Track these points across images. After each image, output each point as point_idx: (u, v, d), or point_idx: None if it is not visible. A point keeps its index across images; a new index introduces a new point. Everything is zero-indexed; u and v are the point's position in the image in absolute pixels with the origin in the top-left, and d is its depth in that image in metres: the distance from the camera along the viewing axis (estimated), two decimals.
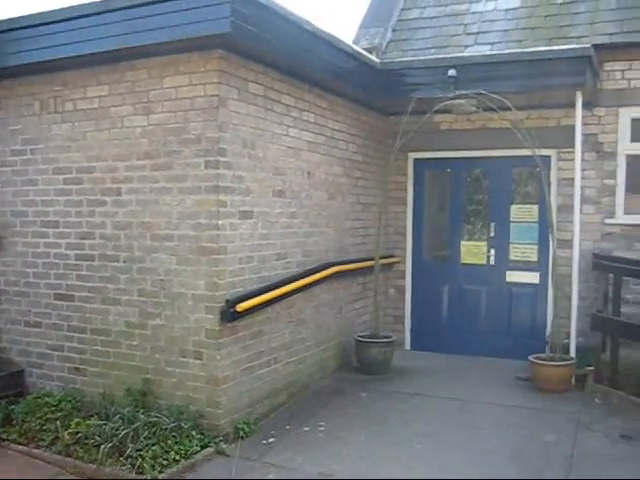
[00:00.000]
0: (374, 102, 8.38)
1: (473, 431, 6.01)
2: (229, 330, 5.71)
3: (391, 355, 7.95)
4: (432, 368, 8.22)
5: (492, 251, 8.79)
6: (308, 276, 6.90)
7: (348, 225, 8.12)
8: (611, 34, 8.20)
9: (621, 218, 8.10)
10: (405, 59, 8.57)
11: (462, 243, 9.04)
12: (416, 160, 9.20)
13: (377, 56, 8.76)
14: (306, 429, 6.04)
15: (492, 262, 8.80)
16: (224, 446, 5.52)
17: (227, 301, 5.61)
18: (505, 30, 9.07)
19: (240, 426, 5.82)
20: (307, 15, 6.09)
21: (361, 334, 8.05)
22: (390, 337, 8.03)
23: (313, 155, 7.18)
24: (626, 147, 8.10)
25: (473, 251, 8.93)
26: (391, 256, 9.18)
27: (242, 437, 5.78)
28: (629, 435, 5.98)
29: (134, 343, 5.99)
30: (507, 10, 9.37)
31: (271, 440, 5.78)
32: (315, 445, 5.67)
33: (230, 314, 5.61)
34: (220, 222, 5.58)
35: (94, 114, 6.09)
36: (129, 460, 5.09)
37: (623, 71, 8.11)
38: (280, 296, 6.34)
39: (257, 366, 6.20)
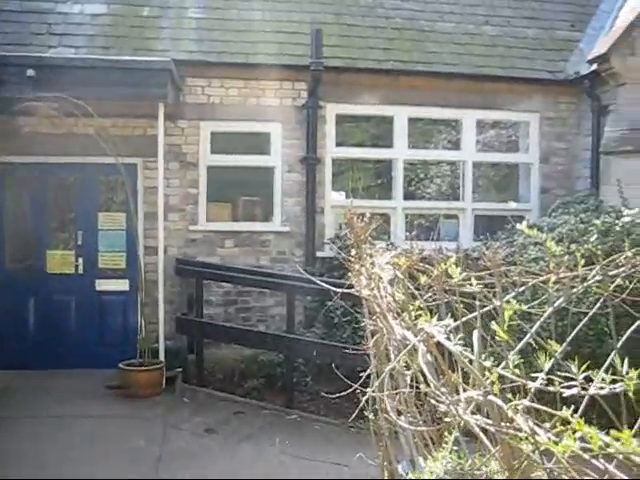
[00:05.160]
0: None
1: (63, 448, 5.78)
2: None
3: None
4: (19, 387, 7.64)
5: (80, 260, 8.55)
6: None
7: None
8: (192, 52, 8.67)
9: (203, 225, 8.62)
10: None
11: (49, 252, 8.59)
12: None
13: None
14: None
15: (81, 271, 8.55)
16: None
17: None
18: (91, 35, 8.91)
19: None
20: None
21: None
22: None
23: None
24: (207, 158, 8.64)
25: (61, 260, 8.57)
26: None
27: None
28: (213, 429, 6.38)
29: None
30: (93, 15, 9.20)
31: None
32: None
33: None
34: None
35: None
36: None
37: (203, 87, 8.64)
38: None
39: None
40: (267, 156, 8.78)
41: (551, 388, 1.44)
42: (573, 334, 2.34)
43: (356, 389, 2.88)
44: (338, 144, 9.13)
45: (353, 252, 2.91)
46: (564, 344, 1.96)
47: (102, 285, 8.59)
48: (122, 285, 8.57)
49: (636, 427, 1.93)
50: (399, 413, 2.57)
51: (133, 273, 8.34)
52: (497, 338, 1.63)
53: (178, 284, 8.33)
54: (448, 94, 8.98)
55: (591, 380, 1.42)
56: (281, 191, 8.76)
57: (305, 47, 8.61)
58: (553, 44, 9.70)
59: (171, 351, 7.85)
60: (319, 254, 8.55)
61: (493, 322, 1.56)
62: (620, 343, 1.97)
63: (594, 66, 8.73)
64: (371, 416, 2.79)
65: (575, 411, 1.69)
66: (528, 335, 2.06)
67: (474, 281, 2.00)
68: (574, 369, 1.40)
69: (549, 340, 1.77)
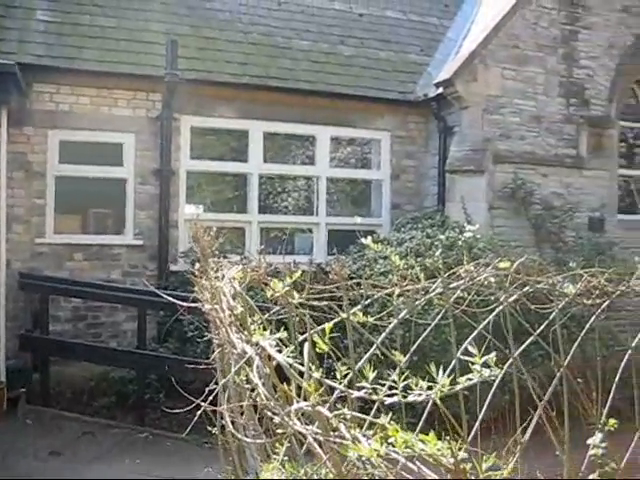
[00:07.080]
0: None
1: None
2: None
3: None
4: None
5: None
6: None
7: None
8: (40, 56, 8.28)
9: (51, 237, 8.23)
10: None
11: None
12: None
13: None
14: None
15: None
16: None
17: None
18: None
19: None
20: None
21: None
22: None
23: None
24: (55, 168, 8.28)
25: None
26: None
27: None
28: (59, 451, 6.09)
29: None
30: None
31: None
32: None
33: None
34: None
35: None
36: None
37: (52, 94, 8.28)
38: None
39: None
40: (119, 167, 8.54)
41: (374, 397, 1.51)
42: (417, 344, 2.46)
43: (208, 404, 2.87)
44: (195, 157, 9.05)
45: (197, 266, 2.91)
46: (408, 354, 2.06)
47: None
48: None
49: (474, 430, 2.06)
50: (244, 426, 2.58)
51: None
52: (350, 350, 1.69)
53: (23, 300, 7.90)
54: (304, 110, 9.16)
55: (430, 388, 1.50)
56: (134, 203, 8.55)
57: (160, 58, 8.48)
58: (404, 67, 10.16)
59: (14, 371, 7.41)
60: (173, 268, 8.40)
61: (315, 335, 1.62)
62: (459, 352, 2.09)
63: (440, 89, 9.24)
64: (214, 430, 2.78)
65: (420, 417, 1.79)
66: (374, 346, 2.14)
67: (295, 295, 2.06)
68: (395, 377, 1.48)
69: (394, 351, 1.86)
